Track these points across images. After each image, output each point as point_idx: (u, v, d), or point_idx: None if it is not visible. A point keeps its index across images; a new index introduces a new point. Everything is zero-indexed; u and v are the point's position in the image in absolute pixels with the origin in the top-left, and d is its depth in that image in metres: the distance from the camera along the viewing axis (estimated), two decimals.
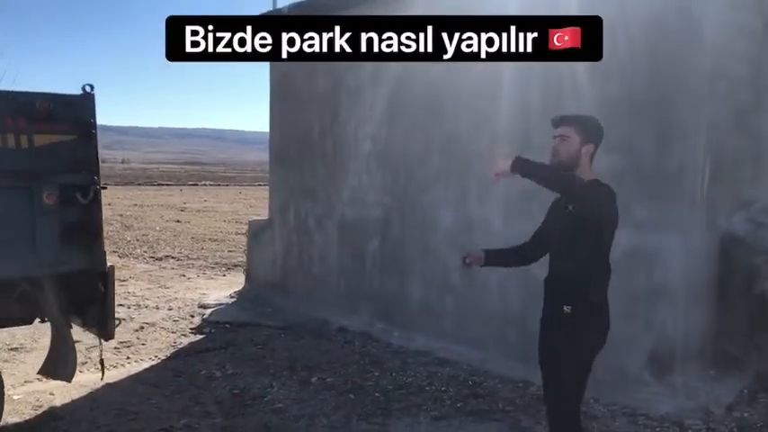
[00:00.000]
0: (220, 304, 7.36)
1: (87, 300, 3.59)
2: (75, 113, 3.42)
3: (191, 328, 6.31)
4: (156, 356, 5.45)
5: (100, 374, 4.19)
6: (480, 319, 5.33)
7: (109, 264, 3.65)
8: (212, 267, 10.21)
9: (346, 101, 6.53)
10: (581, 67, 4.52)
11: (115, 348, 5.53)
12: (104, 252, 3.61)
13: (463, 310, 5.48)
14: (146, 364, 5.24)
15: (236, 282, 8.66)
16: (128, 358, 5.36)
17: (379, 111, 6.19)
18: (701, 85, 4.24)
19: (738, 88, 4.57)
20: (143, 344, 5.78)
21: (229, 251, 11.89)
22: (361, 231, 6.40)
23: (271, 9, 7.31)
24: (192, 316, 6.82)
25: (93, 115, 3.49)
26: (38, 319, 3.83)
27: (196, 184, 43.41)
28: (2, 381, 3.61)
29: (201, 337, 6.06)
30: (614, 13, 4.40)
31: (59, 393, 4.42)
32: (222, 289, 8.31)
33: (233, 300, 7.61)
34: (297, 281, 7.32)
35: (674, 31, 4.25)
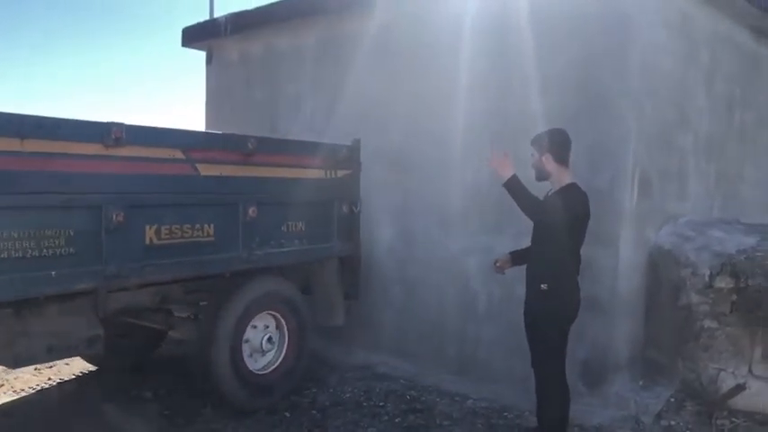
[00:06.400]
0: None
1: (348, 272, 5.20)
2: (353, 156, 5.12)
3: None
4: (81, 377, 5.18)
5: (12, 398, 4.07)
6: (419, 333, 5.32)
7: None
8: None
9: (285, 110, 6.44)
10: (526, 78, 4.61)
11: (35, 369, 5.23)
12: (360, 242, 5.22)
13: (402, 324, 5.46)
14: (69, 386, 4.97)
15: None
16: (49, 379, 5.06)
17: (318, 120, 6.12)
18: (631, 101, 4.38)
19: (664, 106, 4.75)
20: (67, 363, 5.46)
21: None
22: None
23: (207, 18, 7.16)
24: None
25: (359, 156, 5.16)
26: None
27: None
28: None
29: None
30: (556, 24, 4.52)
31: None
32: None
33: None
34: None
35: (606, 48, 4.37)
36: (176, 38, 7.33)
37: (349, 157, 5.09)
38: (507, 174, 3.52)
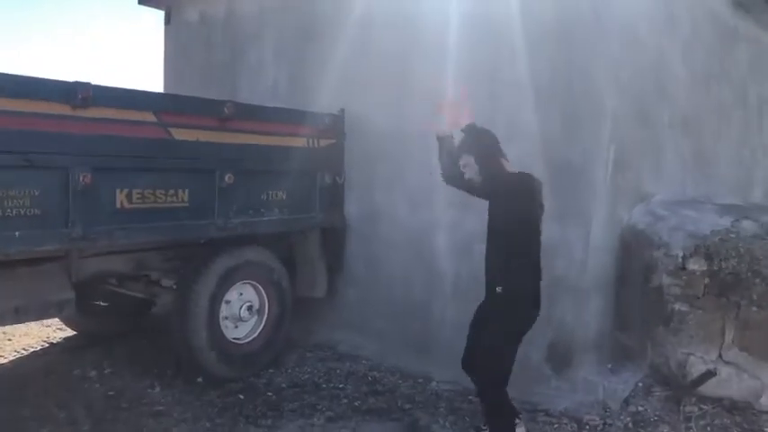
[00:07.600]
0: None
1: (331, 244, 5.18)
2: (336, 126, 5.07)
3: None
4: (23, 354, 4.87)
5: None
6: (384, 312, 5.10)
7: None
8: None
9: (246, 76, 6.08)
10: (499, 46, 4.35)
11: None
12: (344, 214, 5.19)
13: (367, 302, 5.24)
14: (9, 365, 4.67)
15: None
16: None
17: (282, 90, 5.79)
18: (606, 72, 4.16)
19: (641, 78, 4.54)
20: (9, 339, 5.16)
21: None
22: None
23: None
24: None
25: (343, 126, 5.11)
26: None
27: None
28: None
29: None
30: None
31: None
32: None
33: None
34: None
35: (581, 16, 4.13)
36: None
37: (332, 126, 5.02)
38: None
